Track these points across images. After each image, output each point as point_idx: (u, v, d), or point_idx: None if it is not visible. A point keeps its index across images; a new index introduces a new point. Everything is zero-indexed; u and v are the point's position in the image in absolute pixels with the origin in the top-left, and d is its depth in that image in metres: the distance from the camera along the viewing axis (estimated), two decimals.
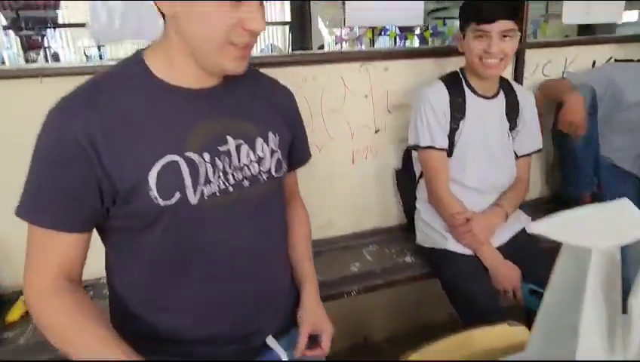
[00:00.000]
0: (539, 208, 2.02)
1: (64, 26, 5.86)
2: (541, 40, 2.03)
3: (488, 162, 1.53)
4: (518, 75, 1.92)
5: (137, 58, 0.84)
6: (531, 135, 1.60)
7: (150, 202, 0.78)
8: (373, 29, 5.50)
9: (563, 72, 2.00)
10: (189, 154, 0.81)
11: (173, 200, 0.80)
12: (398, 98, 1.80)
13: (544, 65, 1.98)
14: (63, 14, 5.32)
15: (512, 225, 1.55)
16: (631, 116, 1.73)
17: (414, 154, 1.61)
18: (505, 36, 1.37)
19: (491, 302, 1.37)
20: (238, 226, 0.89)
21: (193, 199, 0.81)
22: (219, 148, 0.85)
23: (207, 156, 0.83)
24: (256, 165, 0.90)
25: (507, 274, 1.41)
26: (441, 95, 1.48)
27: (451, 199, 1.50)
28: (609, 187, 1.81)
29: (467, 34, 1.44)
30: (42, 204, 0.78)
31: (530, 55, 1.93)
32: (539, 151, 1.63)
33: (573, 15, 1.99)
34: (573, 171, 1.78)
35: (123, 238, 0.86)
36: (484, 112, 1.52)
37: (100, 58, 4.98)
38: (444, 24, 6.28)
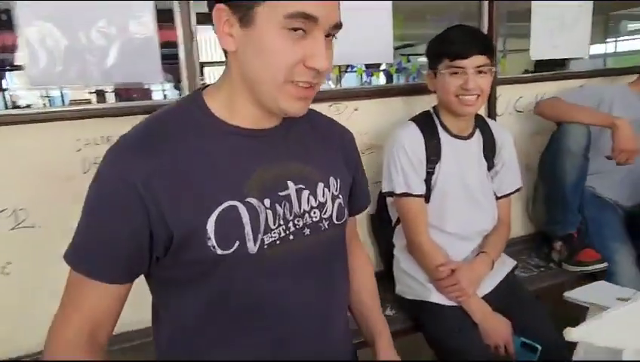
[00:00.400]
0: (522, 248, 1.95)
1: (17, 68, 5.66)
2: (512, 76, 2.02)
3: (468, 206, 1.45)
4: (491, 112, 1.89)
5: (196, 97, 0.81)
6: (511, 174, 1.53)
7: (207, 251, 0.73)
8: (339, 65, 5.55)
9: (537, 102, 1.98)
10: (250, 199, 0.77)
11: (232, 249, 0.74)
12: (369, 139, 1.73)
13: (516, 100, 1.96)
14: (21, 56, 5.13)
15: (498, 271, 1.46)
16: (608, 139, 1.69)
17: (389, 199, 1.52)
18: (480, 72, 1.32)
19: (482, 358, 1.27)
20: (299, 278, 0.83)
21: (253, 248, 0.76)
22: (279, 193, 0.80)
23: (267, 202, 0.78)
24: (317, 212, 0.85)
25: (497, 328, 1.32)
26: (415, 138, 1.40)
27: (433, 248, 1.40)
28: (593, 220, 1.76)
29: (440, 71, 1.37)
30: (88, 250, 0.73)
31: (501, 91, 1.90)
32: (518, 190, 1.56)
33: (540, 51, 1.99)
34: (561, 211, 1.72)
35: (173, 289, 0.80)
36: (461, 154, 1.45)
37: (63, 102, 4.79)
38: (409, 60, 6.43)
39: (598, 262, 1.63)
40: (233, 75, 0.77)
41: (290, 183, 0.81)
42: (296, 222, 0.81)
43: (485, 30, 1.84)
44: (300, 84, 0.73)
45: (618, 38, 7.77)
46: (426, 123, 1.44)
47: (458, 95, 1.34)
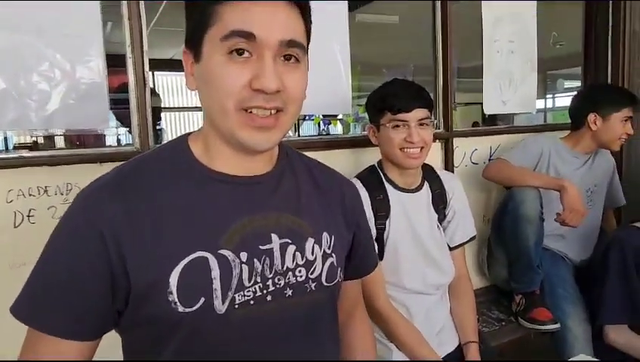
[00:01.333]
0: (482, 300, 1.92)
1: None
2: (467, 129, 2.07)
3: (422, 260, 1.41)
4: (449, 163, 1.91)
5: (181, 141, 0.76)
6: (463, 223, 1.51)
7: (167, 307, 0.65)
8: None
9: (490, 158, 2.03)
10: (224, 251, 0.69)
11: (196, 307, 0.66)
12: None
13: (472, 152, 1.99)
14: None
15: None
16: (548, 193, 1.73)
17: None
18: (422, 124, 1.33)
19: None
20: (275, 346, 0.73)
21: (220, 307, 0.67)
22: (260, 247, 0.72)
23: (244, 256, 0.70)
24: (303, 270, 0.75)
25: None
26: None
27: (392, 313, 1.33)
28: (547, 276, 1.76)
29: (383, 125, 1.37)
30: (45, 303, 0.65)
31: (457, 143, 1.94)
32: (473, 238, 1.55)
33: (492, 106, 2.06)
34: (525, 271, 1.71)
35: (137, 348, 0.72)
36: (410, 207, 1.42)
37: (6, 148, 4.49)
38: (365, 110, 6.61)
39: (551, 322, 1.62)
40: (205, 117, 0.74)
41: (274, 236, 0.73)
42: (276, 280, 0.72)
43: (441, 85, 1.89)
44: (253, 111, 0.66)
45: (555, 95, 8.40)
46: (370, 179, 1.42)
47: (402, 148, 1.34)
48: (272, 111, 0.67)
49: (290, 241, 0.75)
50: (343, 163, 1.70)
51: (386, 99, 1.36)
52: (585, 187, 1.89)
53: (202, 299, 0.66)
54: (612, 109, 1.80)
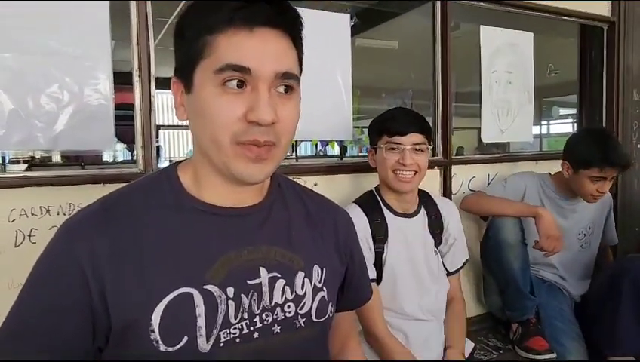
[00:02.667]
0: (479, 328, 1.92)
1: None
2: (465, 156, 2.09)
3: (418, 285, 1.43)
4: (447, 190, 1.93)
5: (170, 170, 0.74)
6: (459, 248, 1.54)
7: (149, 346, 0.62)
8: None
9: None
10: (209, 287, 0.66)
11: (178, 346, 0.63)
12: None
13: (470, 180, 2.01)
14: None
15: None
16: (533, 234, 1.71)
17: None
18: (417, 149, 1.36)
19: None
20: None
21: (204, 346, 0.64)
22: (248, 281, 0.69)
23: (230, 291, 0.67)
24: (292, 306, 0.73)
25: None
26: (359, 221, 1.37)
27: (390, 340, 1.33)
28: (544, 307, 1.76)
29: (379, 147, 1.41)
30: (23, 341, 0.62)
31: (455, 170, 1.96)
32: (466, 262, 1.57)
33: (490, 134, 2.09)
34: (516, 299, 1.72)
35: None
36: (407, 232, 1.44)
37: (2, 161, 4.47)
38: (362, 133, 6.66)
39: (547, 351, 1.62)
40: (195, 147, 0.72)
41: (262, 270, 0.71)
42: (264, 316, 0.70)
43: (440, 111, 1.92)
44: (248, 145, 0.65)
45: (550, 121, 8.51)
46: (369, 204, 1.44)
47: (395, 170, 1.37)
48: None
49: (279, 275, 0.72)
50: (343, 188, 1.71)
51: (385, 122, 1.41)
52: (577, 229, 1.88)
53: (185, 338, 0.64)
54: (580, 165, 1.71)
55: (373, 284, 1.36)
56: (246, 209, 0.73)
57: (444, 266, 1.51)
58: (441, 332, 1.46)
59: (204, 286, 0.66)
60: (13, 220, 1.22)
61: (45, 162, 3.65)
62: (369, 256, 1.37)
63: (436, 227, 1.49)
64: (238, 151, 0.65)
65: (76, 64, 1.26)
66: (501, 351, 1.76)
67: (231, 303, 0.67)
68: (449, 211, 1.53)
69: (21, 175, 1.25)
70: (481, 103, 2.05)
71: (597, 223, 1.94)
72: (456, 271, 1.53)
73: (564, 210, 1.86)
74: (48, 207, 1.25)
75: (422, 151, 1.37)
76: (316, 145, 6.37)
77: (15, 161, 3.62)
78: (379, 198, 1.45)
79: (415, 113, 1.43)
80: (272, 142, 0.66)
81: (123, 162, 4.80)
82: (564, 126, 8.27)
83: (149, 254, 0.65)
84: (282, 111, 0.66)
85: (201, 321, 0.64)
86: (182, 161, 0.77)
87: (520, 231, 1.70)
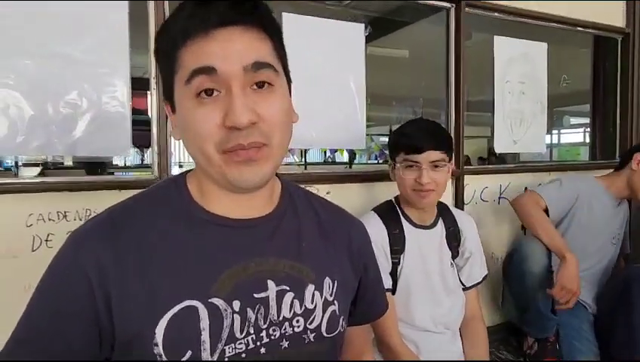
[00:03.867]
0: (491, 340, 1.87)
1: None
2: (478, 167, 2.08)
3: (432, 297, 1.41)
4: (459, 201, 1.92)
5: (179, 180, 0.72)
6: (477, 263, 1.51)
7: (152, 360, 0.61)
8: None
9: (500, 197, 2.03)
10: (215, 300, 0.64)
11: (182, 360, 0.61)
12: None
13: (482, 190, 2.01)
14: None
15: None
16: (579, 237, 1.72)
17: None
18: (436, 166, 1.32)
19: None
20: None
21: (209, 360, 0.62)
22: (255, 295, 0.67)
23: (236, 305, 0.65)
24: (301, 320, 0.69)
25: None
26: (378, 230, 1.36)
27: (404, 351, 1.32)
28: (564, 325, 1.72)
29: (397, 164, 1.38)
30: (27, 347, 0.62)
31: (468, 181, 1.95)
32: (485, 278, 1.53)
33: (503, 145, 2.09)
34: (536, 319, 1.69)
35: None
36: (424, 244, 1.42)
37: (16, 165, 4.53)
38: (372, 140, 6.67)
39: None
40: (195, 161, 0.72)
41: (270, 283, 0.68)
42: (271, 331, 0.67)
43: (453, 121, 1.92)
44: (234, 150, 0.62)
45: (561, 131, 8.46)
46: (388, 213, 1.42)
47: (414, 188, 1.34)
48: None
49: (288, 288, 0.69)
50: (357, 196, 1.71)
51: (401, 138, 1.37)
52: (613, 232, 1.87)
53: (189, 352, 0.61)
54: None
55: (388, 294, 1.34)
56: (255, 220, 0.71)
57: (461, 281, 1.49)
58: (454, 344, 1.44)
59: (210, 300, 0.64)
60: (31, 225, 1.23)
61: (57, 166, 3.70)
62: (386, 266, 1.36)
63: (453, 239, 1.47)
64: (227, 159, 0.63)
65: (95, 71, 1.28)
66: None
67: (237, 317, 0.65)
68: (467, 225, 1.51)
69: (39, 180, 1.26)
70: (494, 113, 2.05)
71: (623, 229, 1.94)
72: (474, 285, 1.51)
73: (609, 210, 1.85)
74: (65, 212, 1.26)
75: (440, 167, 1.33)
76: (325, 152, 6.38)
77: (29, 165, 3.68)
78: (398, 209, 1.44)
79: (434, 127, 1.37)
80: (261, 142, 0.63)
81: (136, 167, 4.85)
82: (575, 136, 8.22)
83: (154, 266, 0.64)
84: (263, 108, 0.62)
85: (205, 335, 0.63)
86: (191, 170, 0.75)
87: (547, 260, 1.65)
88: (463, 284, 1.49)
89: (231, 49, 0.61)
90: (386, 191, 1.51)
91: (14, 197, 1.22)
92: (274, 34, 0.66)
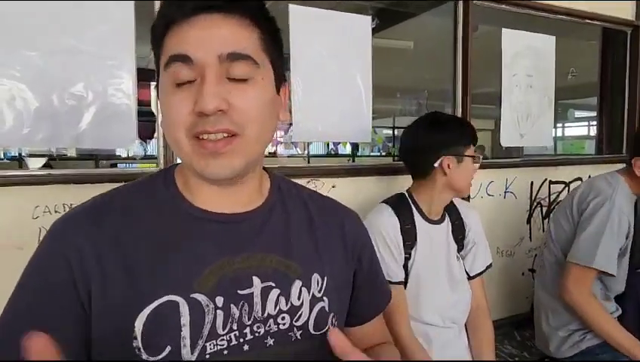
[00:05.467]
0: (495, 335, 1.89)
1: None
2: (484, 161, 2.06)
3: (441, 291, 1.41)
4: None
5: (167, 172, 0.71)
6: (481, 252, 1.50)
7: (131, 354, 0.59)
8: None
9: (505, 191, 2.02)
10: (197, 296, 0.62)
11: (161, 356, 0.59)
12: None
13: (488, 184, 2.00)
14: None
15: None
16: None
17: None
18: None
19: None
20: None
21: (189, 357, 0.60)
22: (239, 291, 0.65)
23: (219, 301, 0.63)
24: (287, 317, 0.67)
25: None
26: (391, 223, 1.36)
27: (412, 343, 1.32)
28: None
29: (468, 157, 1.41)
30: (9, 335, 0.58)
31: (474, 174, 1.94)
32: (489, 266, 1.53)
33: (509, 138, 2.07)
34: None
35: None
36: (434, 238, 1.42)
37: (20, 156, 4.53)
38: (375, 132, 6.65)
39: None
40: None
41: (255, 279, 0.66)
42: (255, 328, 0.65)
43: (459, 112, 1.91)
44: (203, 137, 0.60)
45: (565, 124, 8.42)
46: (400, 206, 1.41)
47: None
48: (224, 135, 0.61)
49: (273, 285, 0.67)
50: (365, 191, 1.70)
51: (471, 131, 1.44)
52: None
53: (168, 348, 0.60)
54: None
55: (400, 286, 1.35)
56: (242, 215, 0.69)
57: (465, 270, 1.49)
58: (460, 337, 1.45)
59: (191, 295, 0.62)
60: (37, 217, 1.24)
61: (61, 157, 3.71)
62: (399, 259, 1.36)
63: (459, 233, 1.48)
64: (195, 148, 0.61)
65: (100, 63, 1.27)
66: (517, 359, 1.74)
67: (219, 313, 0.63)
68: (471, 217, 1.51)
69: (45, 172, 1.26)
70: (500, 107, 2.03)
71: None
72: (478, 274, 1.50)
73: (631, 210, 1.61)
74: (71, 204, 1.26)
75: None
76: (327, 145, 6.37)
77: (34, 155, 3.69)
78: (410, 202, 1.44)
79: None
80: (231, 131, 0.61)
81: (140, 158, 4.86)
82: (580, 129, 8.17)
83: (136, 258, 0.62)
84: (236, 98, 0.60)
85: (185, 331, 0.61)
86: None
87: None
88: (467, 274, 1.49)
89: (210, 37, 0.60)
90: (393, 185, 1.50)
91: (21, 189, 1.22)
92: (262, 23, 0.64)
